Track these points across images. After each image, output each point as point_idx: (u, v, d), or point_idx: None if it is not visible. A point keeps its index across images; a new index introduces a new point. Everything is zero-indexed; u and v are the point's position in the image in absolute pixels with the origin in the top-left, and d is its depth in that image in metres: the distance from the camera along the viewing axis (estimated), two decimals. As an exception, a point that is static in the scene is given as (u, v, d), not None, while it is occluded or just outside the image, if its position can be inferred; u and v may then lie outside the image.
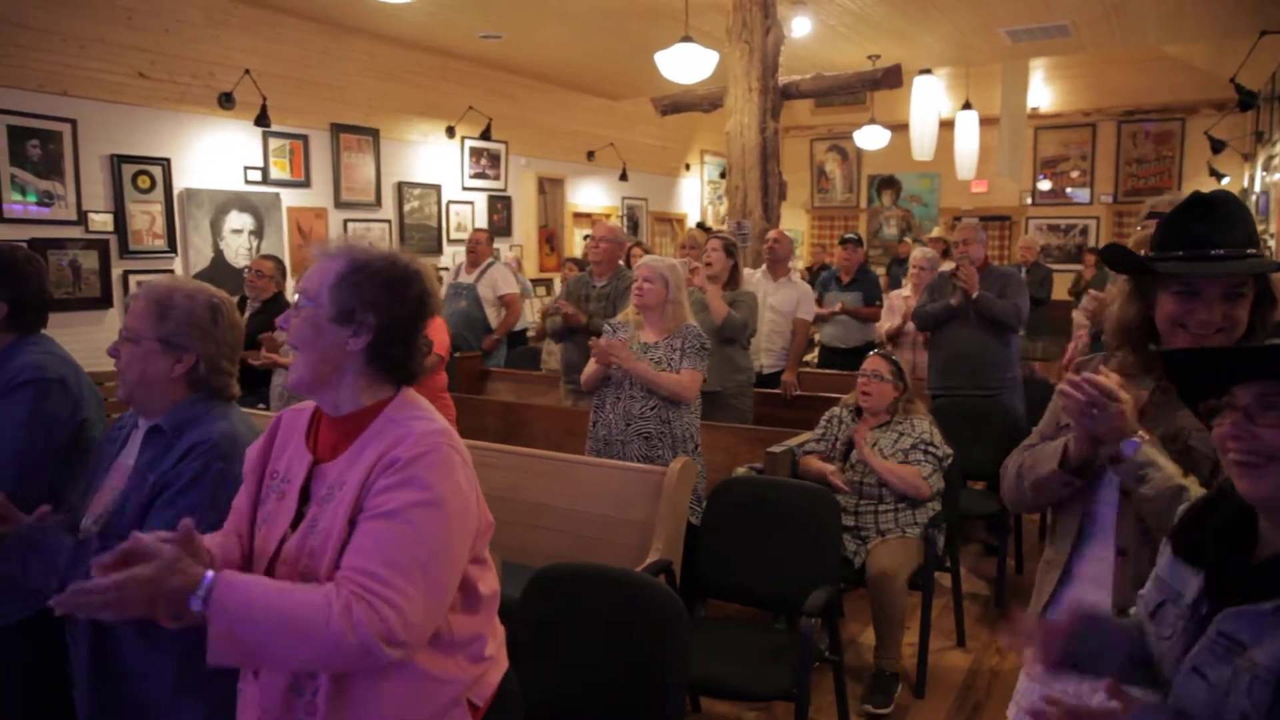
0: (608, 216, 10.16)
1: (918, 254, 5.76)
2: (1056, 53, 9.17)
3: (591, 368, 3.43)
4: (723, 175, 12.54)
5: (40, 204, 5.48)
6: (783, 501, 2.95)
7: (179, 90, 6.18)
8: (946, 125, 9.69)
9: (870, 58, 8.10)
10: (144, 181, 6.01)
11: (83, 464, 2.04)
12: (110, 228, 5.84)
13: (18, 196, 5.38)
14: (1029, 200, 11.32)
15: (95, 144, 5.74)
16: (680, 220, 11.92)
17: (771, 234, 5.28)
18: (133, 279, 5.93)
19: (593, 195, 10.24)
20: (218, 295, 1.85)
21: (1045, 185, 11.25)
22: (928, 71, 9.01)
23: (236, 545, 1.47)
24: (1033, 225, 11.23)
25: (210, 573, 1.17)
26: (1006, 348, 4.51)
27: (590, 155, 9.97)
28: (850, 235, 6.53)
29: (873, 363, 3.55)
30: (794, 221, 11.69)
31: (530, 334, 7.20)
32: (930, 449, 3.37)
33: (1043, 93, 10.99)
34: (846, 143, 12.00)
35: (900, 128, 9.69)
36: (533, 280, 8.70)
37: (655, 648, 2.01)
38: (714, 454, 3.86)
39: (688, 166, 12.04)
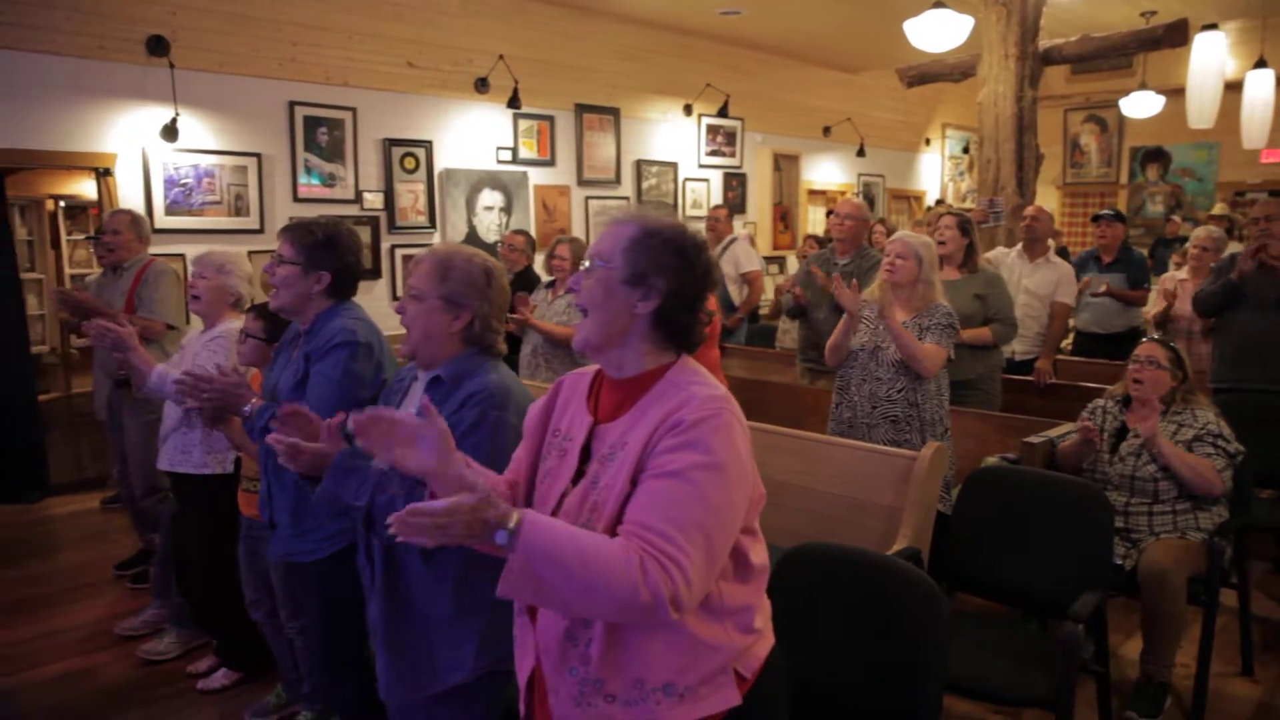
0: (843, 193, 9.90)
1: (1201, 233, 5.16)
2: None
3: (836, 336, 3.34)
4: (965, 150, 11.88)
5: (325, 184, 6.10)
6: (1046, 495, 2.75)
7: (441, 77, 6.65)
8: (1230, 88, 8.58)
9: (1144, 15, 7.34)
10: (409, 163, 6.53)
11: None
12: (380, 205, 6.40)
13: (305, 179, 6.01)
14: (1335, 172, 9.87)
15: (370, 129, 6.30)
16: (918, 197, 11.42)
17: (1029, 210, 4.91)
18: (399, 252, 6.48)
19: (828, 172, 10.02)
20: (490, 260, 2.00)
21: (1358, 154, 9.74)
22: (1213, 26, 8.02)
23: (507, 491, 1.55)
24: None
25: (519, 511, 1.21)
26: (1314, 337, 3.95)
27: (827, 131, 9.74)
28: (1108, 211, 5.95)
29: (1147, 348, 3.23)
30: (1043, 198, 10.83)
31: (763, 311, 7.17)
32: (1220, 441, 3.03)
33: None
34: (1106, 112, 11.00)
35: (1173, 93, 8.72)
36: (766, 258, 8.64)
37: (914, 637, 1.94)
38: (962, 441, 3.68)
39: (928, 141, 11.50)
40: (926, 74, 6.85)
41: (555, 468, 1.48)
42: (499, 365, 1.98)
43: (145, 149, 5.32)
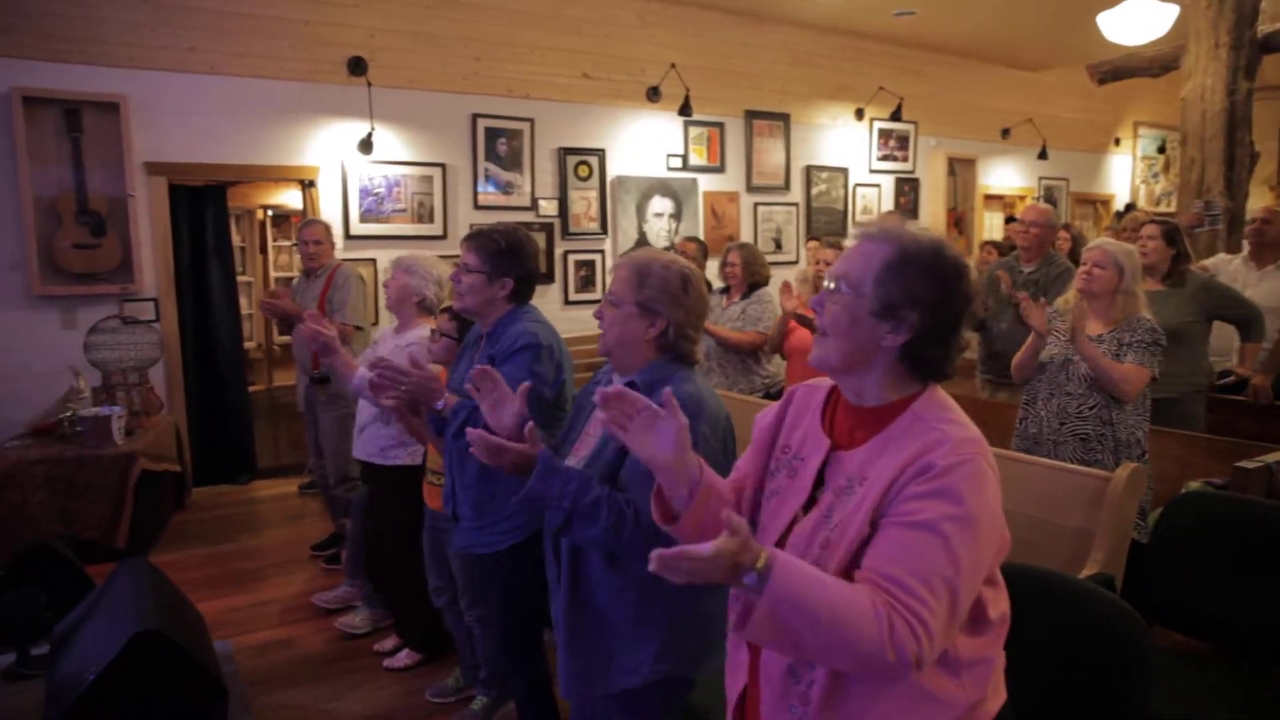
0: (1022, 198, 9.43)
1: None
2: None
3: (1023, 355, 3.19)
4: (1161, 150, 11.03)
5: (503, 192, 6.37)
6: (1266, 526, 2.51)
7: (614, 87, 6.80)
8: None
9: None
10: (583, 171, 6.72)
11: (560, 420, 2.34)
12: (555, 212, 6.62)
13: (484, 188, 6.29)
14: None
15: (547, 139, 6.53)
16: (1106, 202, 10.71)
17: (1259, 213, 4.43)
18: (571, 258, 6.68)
19: (1006, 176, 9.55)
20: (689, 267, 1.96)
21: None
22: None
23: (733, 498, 1.48)
24: None
25: (768, 552, 1.13)
26: None
27: (1005, 133, 9.30)
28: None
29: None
30: (1255, 201, 9.93)
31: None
32: None
33: None
34: (1334, 104, 9.90)
35: None
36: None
37: (1111, 669, 1.82)
38: (1159, 462, 3.42)
39: (1118, 141, 10.76)
40: (1121, 69, 6.44)
41: (785, 488, 1.41)
42: (693, 375, 1.94)
43: (344, 162, 5.74)
